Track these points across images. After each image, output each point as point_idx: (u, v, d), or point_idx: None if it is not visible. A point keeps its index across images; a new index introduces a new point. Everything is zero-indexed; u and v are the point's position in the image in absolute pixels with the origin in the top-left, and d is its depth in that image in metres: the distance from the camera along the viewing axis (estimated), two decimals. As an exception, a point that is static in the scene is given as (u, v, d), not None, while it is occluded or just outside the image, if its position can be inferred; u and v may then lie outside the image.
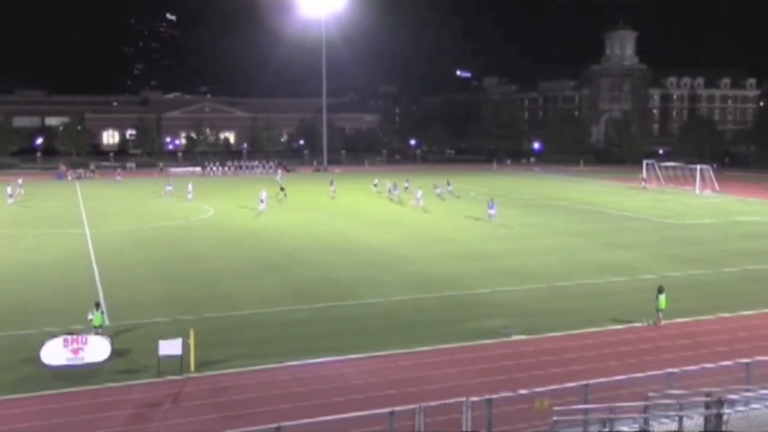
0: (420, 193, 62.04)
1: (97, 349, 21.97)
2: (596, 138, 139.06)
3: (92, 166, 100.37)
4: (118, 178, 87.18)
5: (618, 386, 17.76)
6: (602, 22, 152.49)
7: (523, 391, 17.04)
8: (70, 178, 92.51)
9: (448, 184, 71.48)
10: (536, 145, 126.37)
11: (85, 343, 21.96)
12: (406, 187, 70.68)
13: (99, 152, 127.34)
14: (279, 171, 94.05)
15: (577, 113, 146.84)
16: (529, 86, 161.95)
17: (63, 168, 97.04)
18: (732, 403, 14.85)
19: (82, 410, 18.69)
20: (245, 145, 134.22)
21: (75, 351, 21.72)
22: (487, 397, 15.47)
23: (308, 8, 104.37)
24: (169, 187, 69.54)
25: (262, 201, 57.15)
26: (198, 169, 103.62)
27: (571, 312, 28.13)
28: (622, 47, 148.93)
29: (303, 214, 56.79)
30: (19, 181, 64.86)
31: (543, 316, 27.44)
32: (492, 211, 52.42)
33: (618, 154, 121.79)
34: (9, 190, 55.12)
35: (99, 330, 23.18)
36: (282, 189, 66.56)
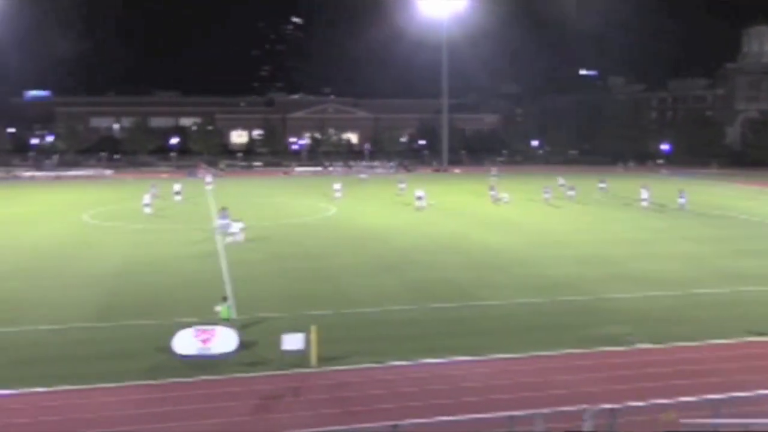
0: (503, 195, 63.89)
1: (225, 341, 22.87)
2: (731, 139, 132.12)
3: (222, 165, 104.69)
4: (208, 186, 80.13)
5: (754, 402, 16.82)
6: (737, 17, 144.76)
7: (648, 402, 16.44)
8: (201, 176, 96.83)
9: (602, 182, 72.56)
10: (664, 147, 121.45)
11: (214, 334, 22.92)
12: (562, 185, 71.01)
13: (228, 151, 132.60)
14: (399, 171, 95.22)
15: (709, 113, 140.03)
16: (658, 85, 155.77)
17: (202, 166, 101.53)
18: None
19: (209, 399, 19.52)
20: (367, 145, 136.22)
21: (205, 341, 22.70)
22: (611, 406, 15.03)
23: (430, 8, 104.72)
24: (338, 192, 68.53)
25: (420, 198, 59.56)
26: (319, 168, 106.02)
27: (699, 321, 26.86)
28: (761, 44, 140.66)
29: (421, 214, 57.02)
30: (153, 190, 67.31)
31: (669, 325, 26.34)
32: (682, 200, 58.32)
33: (756, 156, 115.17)
34: (147, 198, 57.46)
35: (226, 322, 24.11)
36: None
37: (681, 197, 59.34)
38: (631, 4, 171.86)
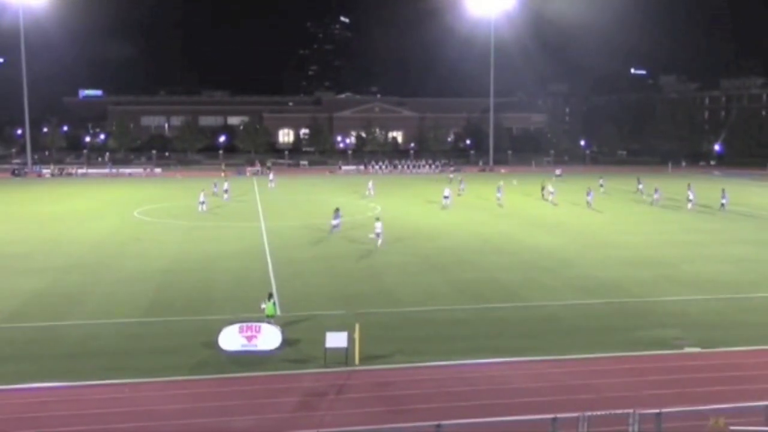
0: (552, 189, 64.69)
1: (269, 338, 23.10)
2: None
3: (269, 163, 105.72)
4: (271, 183, 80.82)
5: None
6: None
7: (696, 407, 16.11)
8: (248, 174, 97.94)
9: (639, 182, 71.62)
10: (717, 147, 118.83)
11: (259, 331, 23.15)
12: (601, 185, 70.77)
13: (275, 150, 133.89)
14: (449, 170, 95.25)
15: (765, 113, 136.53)
16: (711, 84, 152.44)
17: (257, 166, 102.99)
18: None
19: (253, 395, 19.73)
20: (412, 144, 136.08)
21: (249, 338, 22.96)
22: (657, 410, 14.77)
23: (478, 7, 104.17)
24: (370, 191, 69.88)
25: (446, 197, 60.43)
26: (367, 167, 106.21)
27: (752, 326, 26.20)
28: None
29: (467, 213, 56.79)
30: (215, 188, 68.00)
31: (720, 329, 25.76)
32: (725, 201, 58.25)
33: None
34: (202, 197, 58.40)
35: (271, 320, 24.33)
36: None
37: (723, 198, 59.20)
38: (683, 1, 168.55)
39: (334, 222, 46.01)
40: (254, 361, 22.07)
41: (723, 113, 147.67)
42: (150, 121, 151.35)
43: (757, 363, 22.35)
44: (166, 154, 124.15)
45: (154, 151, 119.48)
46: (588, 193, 61.61)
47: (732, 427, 14.33)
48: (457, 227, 49.53)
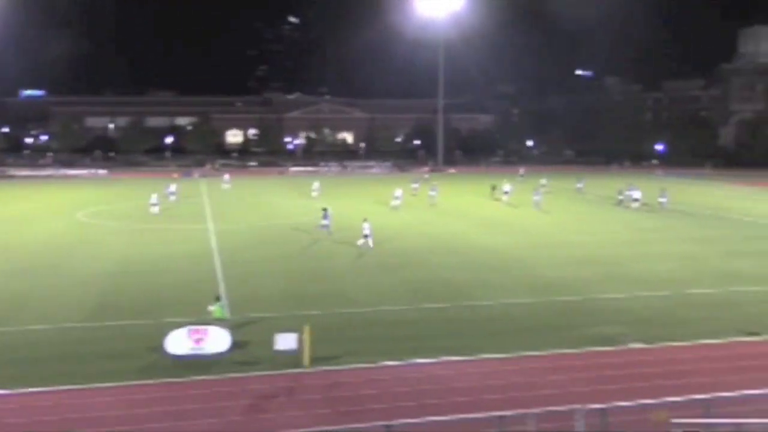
0: (508, 188, 64.97)
1: (218, 340, 22.87)
2: (725, 140, 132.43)
3: (216, 165, 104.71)
4: (226, 185, 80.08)
5: (744, 402, 16.87)
6: (733, 18, 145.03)
7: (639, 401, 16.48)
8: (197, 176, 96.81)
9: (579, 181, 74.32)
10: (659, 147, 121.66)
11: (207, 334, 22.90)
12: (543, 185, 70.71)
13: (224, 151, 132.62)
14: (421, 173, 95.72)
15: (704, 114, 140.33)
16: (653, 86, 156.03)
17: (207, 166, 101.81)
18: None
19: (202, 399, 19.51)
20: (362, 145, 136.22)
21: (197, 341, 22.70)
22: (602, 406, 15.06)
23: (427, 8, 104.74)
24: (315, 192, 69.45)
25: (396, 198, 59.98)
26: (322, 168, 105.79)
27: (693, 321, 26.93)
28: (757, 44, 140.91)
29: (418, 214, 57.07)
30: (169, 189, 66.66)
31: (663, 325, 26.40)
32: (663, 200, 59.52)
33: (749, 156, 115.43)
34: (154, 198, 57.41)
35: (219, 322, 24.10)
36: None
37: (662, 197, 60.14)
38: (626, 4, 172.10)
39: (324, 222, 45.53)
40: (203, 365, 21.83)
41: (665, 114, 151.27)
42: (94, 121, 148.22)
43: (698, 357, 22.97)
44: (112, 155, 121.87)
45: (98, 152, 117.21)
46: (535, 194, 62.45)
47: (674, 420, 14.69)
48: (409, 227, 49.74)
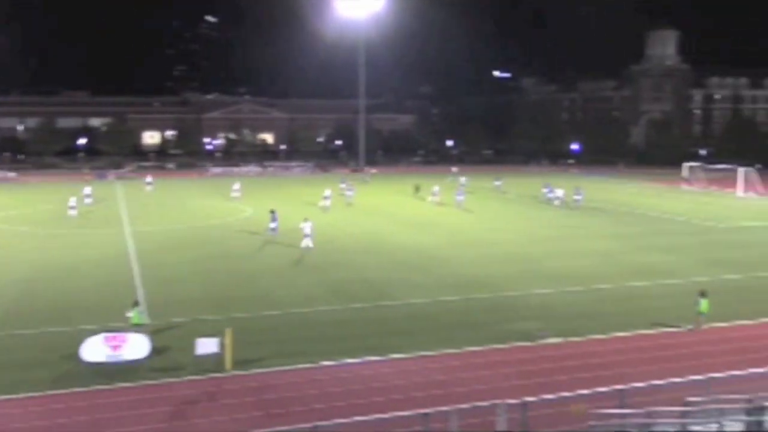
0: (437, 188, 65.09)
1: (136, 347, 22.32)
2: (636, 139, 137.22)
3: (133, 166, 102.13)
4: (148, 186, 77.72)
5: (656, 391, 17.52)
6: (643, 21, 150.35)
7: (558, 395, 16.90)
8: (112, 178, 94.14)
9: (497, 179, 76.06)
10: (575, 146, 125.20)
11: (125, 340, 22.32)
12: (462, 184, 71.87)
13: (140, 152, 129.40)
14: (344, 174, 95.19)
15: (616, 114, 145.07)
16: (568, 87, 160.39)
17: (125, 168, 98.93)
18: (773, 410, 14.57)
19: (120, 407, 19.00)
20: (283, 146, 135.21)
21: (114, 348, 22.10)
22: (523, 400, 15.38)
23: (347, 9, 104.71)
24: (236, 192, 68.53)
25: (326, 197, 59.73)
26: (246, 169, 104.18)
27: (608, 315, 27.82)
28: (664, 47, 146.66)
29: (338, 214, 57.01)
30: (87, 190, 64.26)
31: (579, 320, 27.18)
32: (578, 197, 61.25)
33: (659, 155, 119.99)
34: (72, 201, 55.45)
35: (138, 328, 23.52)
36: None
37: (577, 194, 62.01)
38: (541, 6, 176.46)
39: (273, 225, 44.79)
40: (121, 372, 21.26)
41: (580, 114, 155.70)
42: (2, 122, 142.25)
43: (613, 349, 23.74)
44: (21, 157, 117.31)
45: (7, 154, 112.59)
46: (458, 193, 63.30)
47: (591, 412, 15.12)
48: (333, 228, 49.59)
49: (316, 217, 54.81)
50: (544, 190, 66.89)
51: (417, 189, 69.70)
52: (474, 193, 70.39)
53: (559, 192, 62.94)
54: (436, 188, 66.13)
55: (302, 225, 40.68)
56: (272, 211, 45.84)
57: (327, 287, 32.28)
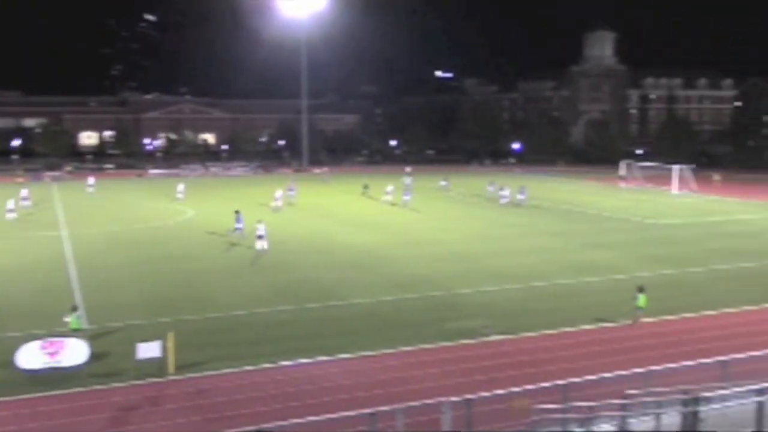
0: (390, 188, 64.87)
1: (74, 353, 21.72)
2: (576, 138, 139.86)
3: (69, 167, 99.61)
4: (90, 188, 73.99)
5: (597, 385, 17.86)
6: (582, 22, 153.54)
7: (502, 391, 17.09)
8: (48, 179, 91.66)
9: (444, 179, 76.73)
10: (516, 146, 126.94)
11: (63, 346, 21.71)
12: (407, 184, 72.06)
13: (77, 153, 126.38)
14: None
15: (556, 114, 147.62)
16: (509, 87, 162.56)
17: (64, 169, 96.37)
18: (708, 401, 14.98)
19: (59, 414, 18.51)
20: (225, 146, 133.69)
21: (52, 354, 21.46)
22: (467, 397, 15.50)
23: (288, 9, 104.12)
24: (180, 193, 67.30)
25: (276, 199, 59.52)
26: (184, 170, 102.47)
27: (550, 312, 28.27)
28: (601, 48, 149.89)
29: (283, 215, 56.62)
30: (24, 192, 62.18)
31: (522, 316, 27.56)
32: (522, 196, 62.31)
33: (597, 154, 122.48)
34: (11, 204, 53.78)
35: (77, 333, 22.94)
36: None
37: (521, 194, 63.22)
38: (482, 8, 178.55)
39: (238, 225, 43.98)
40: (59, 379, 20.69)
41: (521, 114, 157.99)
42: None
43: (557, 345, 24.13)
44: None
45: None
46: (405, 193, 63.52)
47: (534, 407, 15.32)
48: (277, 228, 49.10)
49: (264, 217, 54.38)
50: (490, 189, 68.32)
51: (366, 187, 69.74)
52: (420, 193, 70.75)
53: (506, 191, 63.81)
54: (390, 188, 66.11)
55: (256, 226, 40.32)
56: (237, 212, 45.49)
57: (272, 288, 32.03)
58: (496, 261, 38.16)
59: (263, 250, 39.10)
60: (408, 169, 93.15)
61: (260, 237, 39.62)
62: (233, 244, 42.28)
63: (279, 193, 60.51)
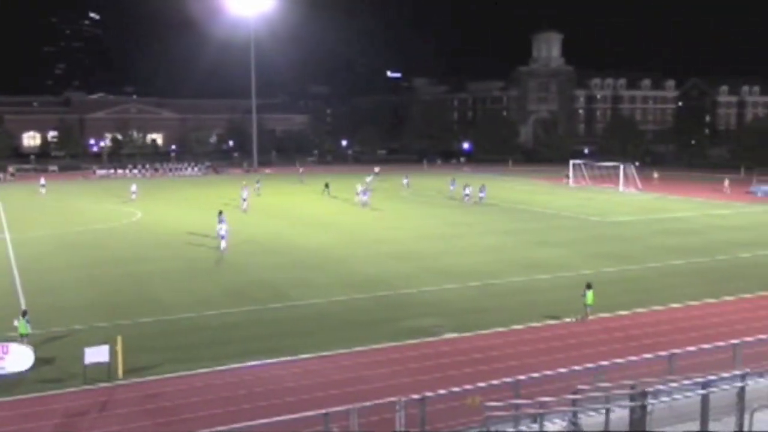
0: (361, 188, 64.67)
1: (19, 358, 21.20)
2: (524, 138, 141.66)
3: (12, 169, 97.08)
4: (42, 188, 73.14)
5: (548, 381, 18.12)
6: (529, 24, 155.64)
7: (454, 389, 17.19)
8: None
9: (405, 177, 78.46)
10: (466, 145, 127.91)
11: (7, 352, 21.17)
12: (406, 182, 75.02)
13: (20, 155, 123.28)
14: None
15: (505, 114, 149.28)
16: (458, 87, 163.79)
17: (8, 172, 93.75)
18: (656, 394, 15.29)
19: (4, 422, 18.03)
20: (174, 146, 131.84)
21: (-4, 360, 20.92)
22: (420, 396, 15.56)
23: (236, 8, 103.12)
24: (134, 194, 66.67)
25: (244, 200, 59.08)
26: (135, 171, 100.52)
27: (501, 309, 28.57)
28: (549, 49, 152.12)
29: (233, 215, 56.04)
30: None
31: (474, 314, 27.79)
32: (482, 195, 64.25)
33: (545, 153, 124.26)
34: None
35: (24, 338, 22.39)
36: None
37: (481, 192, 65.18)
38: (431, 8, 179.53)
39: (221, 226, 43.22)
40: (3, 385, 20.17)
41: (470, 114, 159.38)
42: None
43: (508, 342, 24.40)
44: None
45: None
46: (363, 192, 63.40)
47: (487, 404, 15.44)
48: (234, 228, 48.63)
49: (206, 220, 53.80)
50: (451, 187, 70.85)
51: (326, 187, 69.53)
52: (381, 192, 70.79)
53: (469, 190, 65.05)
54: (360, 187, 65.56)
55: (217, 227, 40.33)
56: (220, 212, 45.13)
57: (223, 290, 31.70)
58: (447, 260, 38.40)
59: (224, 250, 38.88)
60: (377, 169, 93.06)
61: (221, 238, 39.82)
62: (181, 247, 41.70)
63: (246, 193, 59.89)
